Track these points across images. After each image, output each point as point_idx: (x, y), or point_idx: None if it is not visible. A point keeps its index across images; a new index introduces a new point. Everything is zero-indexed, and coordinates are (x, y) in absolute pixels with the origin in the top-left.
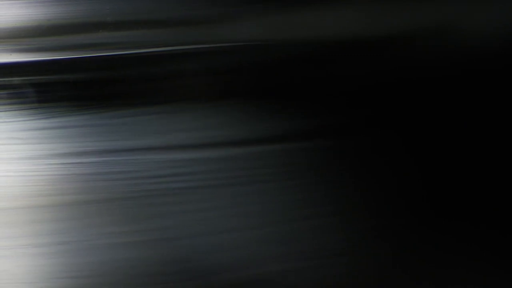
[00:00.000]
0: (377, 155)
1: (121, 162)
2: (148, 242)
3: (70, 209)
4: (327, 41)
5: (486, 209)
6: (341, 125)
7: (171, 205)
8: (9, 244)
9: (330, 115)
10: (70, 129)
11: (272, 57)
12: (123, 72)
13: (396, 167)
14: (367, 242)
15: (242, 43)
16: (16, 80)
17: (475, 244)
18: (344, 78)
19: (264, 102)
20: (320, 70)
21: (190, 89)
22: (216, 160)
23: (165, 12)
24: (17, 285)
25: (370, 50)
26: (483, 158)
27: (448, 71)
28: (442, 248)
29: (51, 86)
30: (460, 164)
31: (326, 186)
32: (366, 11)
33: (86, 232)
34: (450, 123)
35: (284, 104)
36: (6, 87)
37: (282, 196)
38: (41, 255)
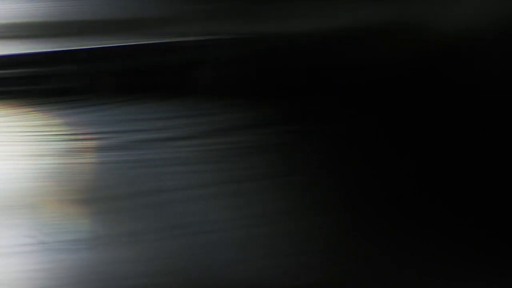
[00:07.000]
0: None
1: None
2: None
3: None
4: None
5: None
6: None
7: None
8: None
9: (309, 103)
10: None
11: (256, 50)
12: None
13: (380, 160)
14: (356, 238)
15: (232, 37)
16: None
17: (465, 241)
18: (322, 69)
19: (250, 91)
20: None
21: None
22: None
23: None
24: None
25: (343, 43)
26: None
27: (417, 65)
28: (429, 243)
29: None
30: (451, 160)
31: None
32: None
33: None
34: (437, 120)
35: (267, 93)
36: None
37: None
38: None
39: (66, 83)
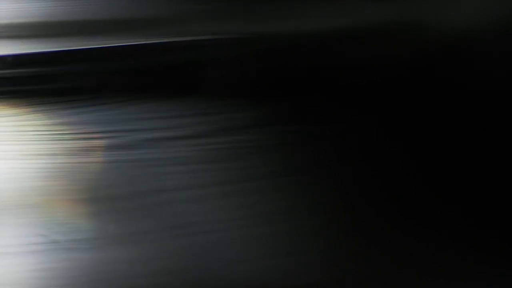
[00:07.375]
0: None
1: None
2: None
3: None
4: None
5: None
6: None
7: None
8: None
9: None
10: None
11: (256, 50)
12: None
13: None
14: (356, 238)
15: (232, 37)
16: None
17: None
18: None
19: (250, 91)
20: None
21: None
22: None
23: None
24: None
25: (344, 43)
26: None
27: (417, 65)
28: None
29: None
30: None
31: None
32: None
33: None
34: (439, 121)
35: (265, 93)
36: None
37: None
38: None
39: (66, 83)
